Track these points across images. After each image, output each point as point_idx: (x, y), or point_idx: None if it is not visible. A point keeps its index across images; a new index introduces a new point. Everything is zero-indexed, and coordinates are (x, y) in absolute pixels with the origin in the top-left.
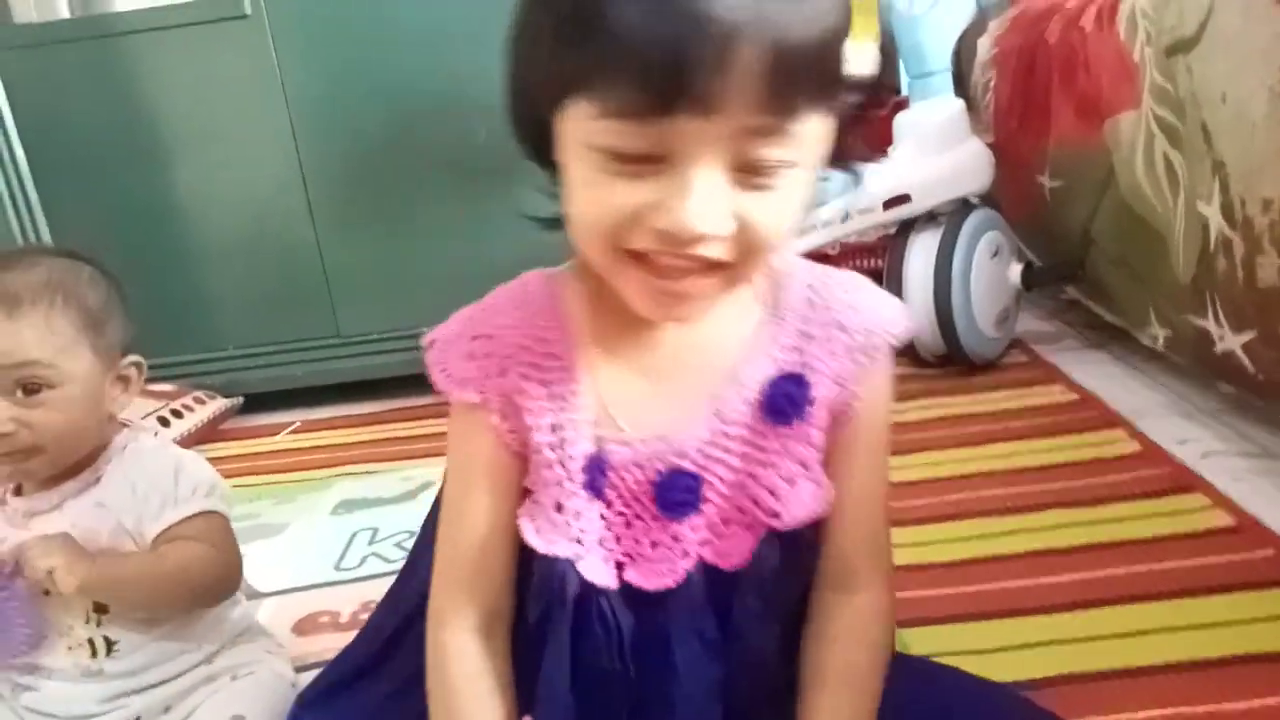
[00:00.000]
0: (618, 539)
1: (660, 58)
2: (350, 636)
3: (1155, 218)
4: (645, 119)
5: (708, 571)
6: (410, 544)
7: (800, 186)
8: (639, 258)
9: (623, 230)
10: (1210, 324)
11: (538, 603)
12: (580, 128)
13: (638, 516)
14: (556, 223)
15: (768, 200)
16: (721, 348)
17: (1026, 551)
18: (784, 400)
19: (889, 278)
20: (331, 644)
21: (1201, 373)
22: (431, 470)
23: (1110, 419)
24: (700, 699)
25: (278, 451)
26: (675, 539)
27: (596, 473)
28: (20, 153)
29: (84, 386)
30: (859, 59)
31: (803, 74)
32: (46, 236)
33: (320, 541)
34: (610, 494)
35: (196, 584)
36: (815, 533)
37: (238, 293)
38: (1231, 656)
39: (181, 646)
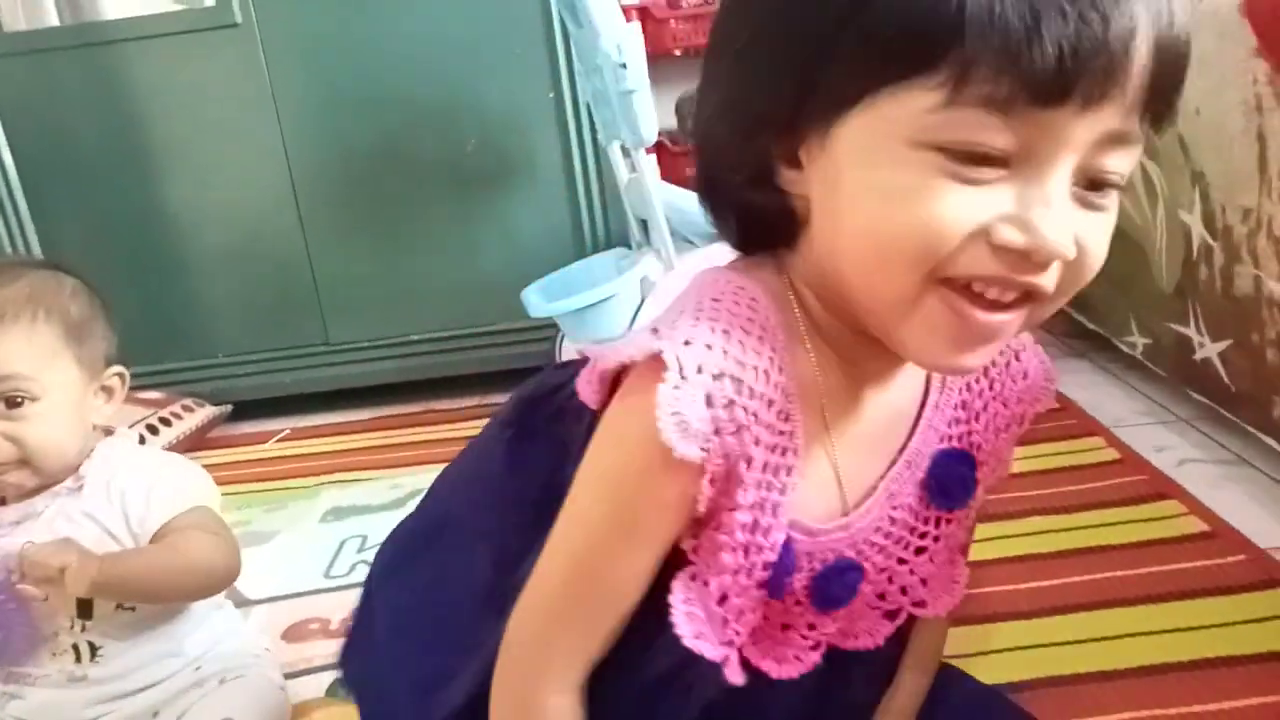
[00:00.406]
0: (744, 623)
1: (1062, 34)
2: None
3: (1134, 229)
4: (1016, 110)
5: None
6: None
7: (1113, 214)
8: (950, 285)
9: (954, 250)
10: (1191, 331)
11: (660, 661)
12: (909, 122)
13: (770, 603)
14: (753, 244)
15: (1100, 222)
16: (897, 426)
17: (1007, 557)
18: (956, 483)
19: None
20: (321, 650)
21: (1177, 381)
22: (421, 478)
23: (1090, 427)
24: None
25: (267, 459)
26: (811, 627)
27: (783, 573)
28: (9, 161)
29: (67, 398)
30: None
31: (1179, 76)
32: (35, 246)
33: (310, 549)
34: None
35: (206, 571)
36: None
37: (227, 301)
38: (1206, 659)
39: (167, 650)
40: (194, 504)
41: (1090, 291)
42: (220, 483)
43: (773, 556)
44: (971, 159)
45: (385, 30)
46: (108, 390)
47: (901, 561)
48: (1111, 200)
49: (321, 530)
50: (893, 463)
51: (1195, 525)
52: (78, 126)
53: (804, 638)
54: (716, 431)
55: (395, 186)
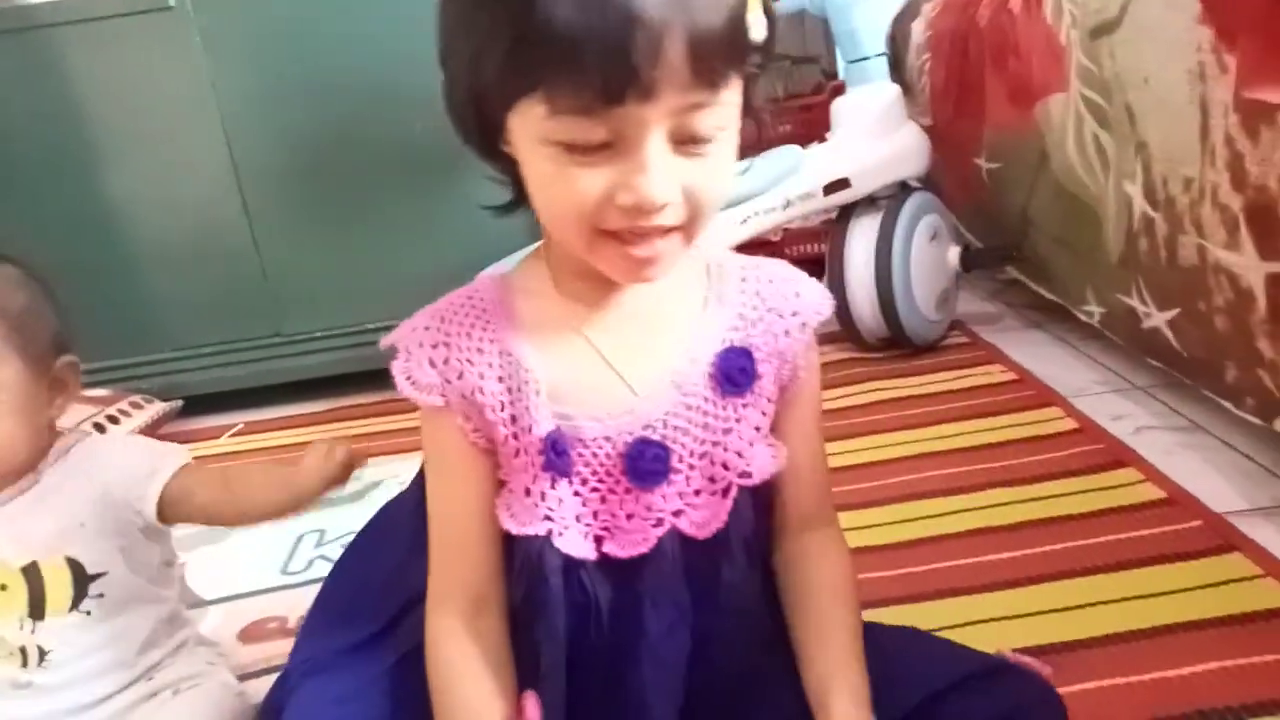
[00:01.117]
0: (595, 514)
1: (604, 57)
2: None
3: (1089, 196)
4: (596, 112)
5: (684, 542)
6: None
7: (730, 147)
8: (611, 233)
9: (594, 213)
10: (1136, 302)
11: (520, 584)
12: (535, 125)
13: (611, 491)
14: (509, 208)
15: (707, 165)
16: (675, 330)
17: (968, 530)
18: (736, 371)
19: (831, 262)
20: (279, 650)
21: (1133, 349)
22: (379, 470)
23: (1048, 397)
24: (671, 664)
25: (220, 455)
26: (648, 509)
27: (553, 453)
28: None
29: (15, 394)
30: (755, 25)
31: (720, 51)
32: None
33: (266, 545)
34: (584, 471)
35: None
36: (769, 495)
37: (174, 294)
38: (1164, 626)
39: (119, 660)
40: (181, 463)
41: (1050, 261)
42: None
43: (541, 445)
44: (580, 149)
45: (327, 14)
46: (60, 382)
47: (715, 444)
48: (715, 145)
49: (278, 526)
50: (677, 359)
51: (1152, 492)
52: (8, 116)
53: (644, 519)
54: (447, 381)
55: (345, 173)
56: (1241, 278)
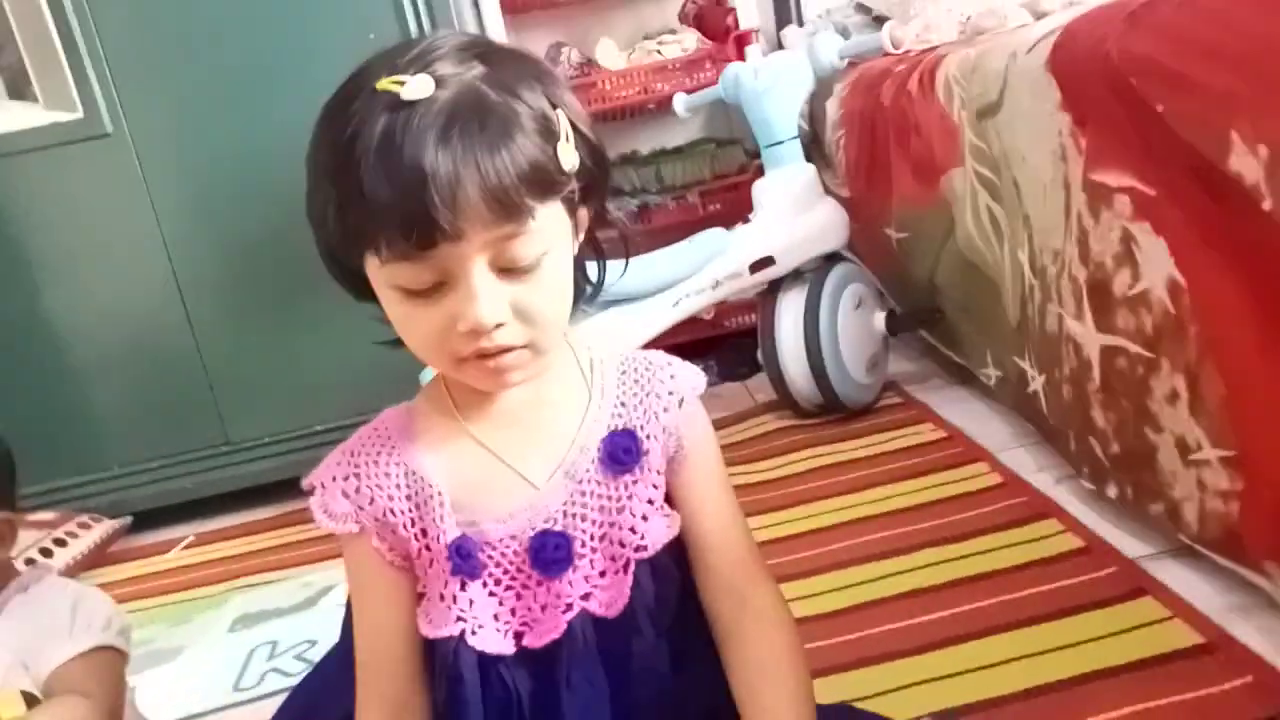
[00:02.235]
0: (512, 611)
1: (409, 214)
2: None
3: (987, 266)
4: (417, 258)
5: (596, 624)
6: (311, 654)
7: (559, 266)
8: (469, 357)
9: (443, 342)
10: (1026, 365)
11: (440, 685)
12: (377, 274)
13: (525, 586)
14: (398, 342)
15: (534, 285)
16: (563, 425)
17: (901, 593)
18: (621, 451)
19: (762, 335)
20: None
21: (1016, 413)
22: (331, 574)
23: (975, 453)
24: None
25: (170, 570)
26: (558, 596)
27: (459, 558)
28: None
29: None
30: (566, 157)
31: (515, 189)
32: None
33: (217, 662)
34: (495, 571)
35: None
36: (674, 566)
37: (118, 408)
38: (1082, 675)
39: None
40: (99, 644)
41: (956, 326)
42: (123, 600)
43: (447, 552)
44: (416, 291)
45: (256, 124)
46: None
47: (611, 524)
48: (540, 267)
49: (230, 640)
50: (568, 451)
51: (1071, 542)
52: None
53: (555, 608)
54: (360, 508)
55: (283, 278)
56: (1084, 347)
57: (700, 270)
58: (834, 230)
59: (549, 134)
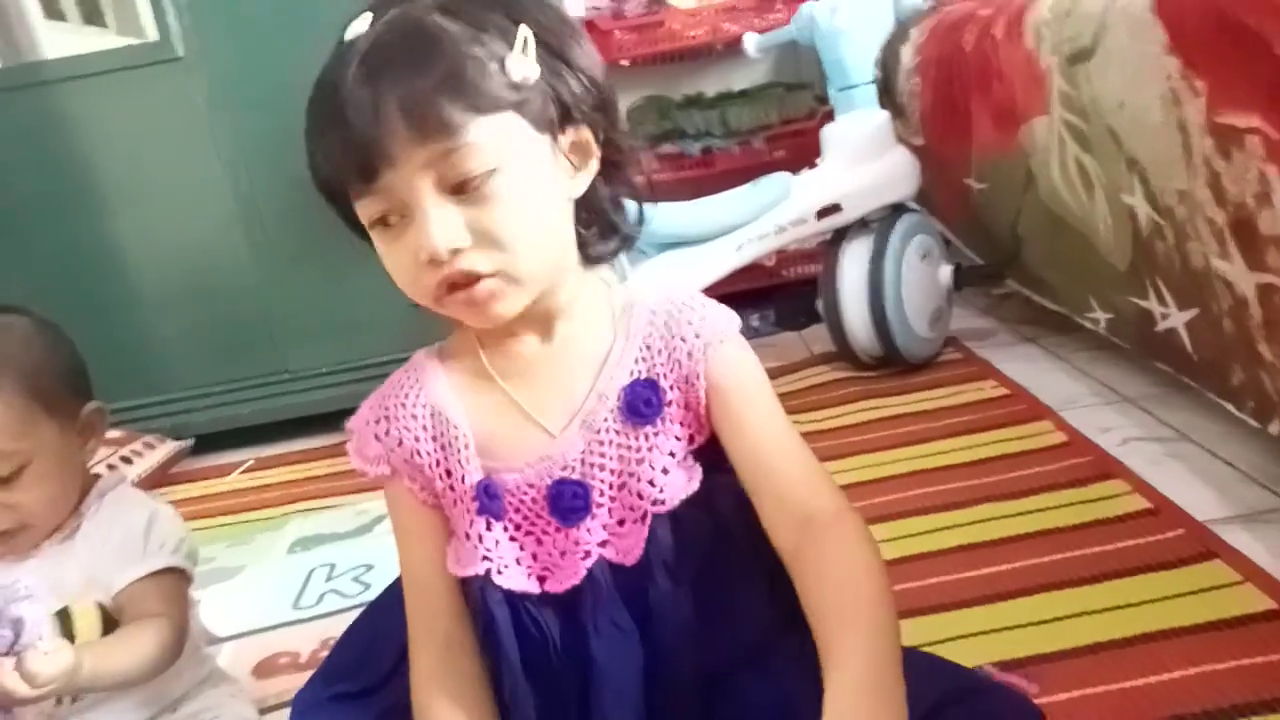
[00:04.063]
0: (534, 556)
1: (345, 144)
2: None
3: (1073, 217)
4: (371, 190)
5: (614, 570)
6: (368, 577)
7: (520, 185)
8: (446, 290)
9: (417, 276)
10: (1153, 304)
11: (477, 625)
12: (358, 211)
13: (544, 532)
14: None
15: (491, 205)
16: (583, 371)
17: (957, 546)
18: (642, 403)
19: (825, 285)
20: (292, 685)
21: (1141, 353)
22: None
23: (1038, 411)
24: (622, 684)
25: (231, 492)
26: (576, 544)
27: (486, 497)
28: None
29: (54, 453)
30: (515, 67)
31: (440, 102)
32: None
33: (277, 581)
34: (515, 516)
35: (157, 661)
36: (704, 518)
37: (181, 335)
38: (1146, 634)
39: (145, 697)
40: (168, 565)
41: (1045, 275)
42: (186, 519)
43: (474, 491)
44: (386, 225)
45: (325, 54)
46: (89, 426)
47: (630, 475)
48: (493, 184)
49: (289, 561)
50: (586, 399)
51: (1138, 503)
52: (20, 167)
53: (574, 554)
54: (391, 450)
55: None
56: (1236, 285)
57: (764, 215)
58: (904, 179)
59: (492, 47)
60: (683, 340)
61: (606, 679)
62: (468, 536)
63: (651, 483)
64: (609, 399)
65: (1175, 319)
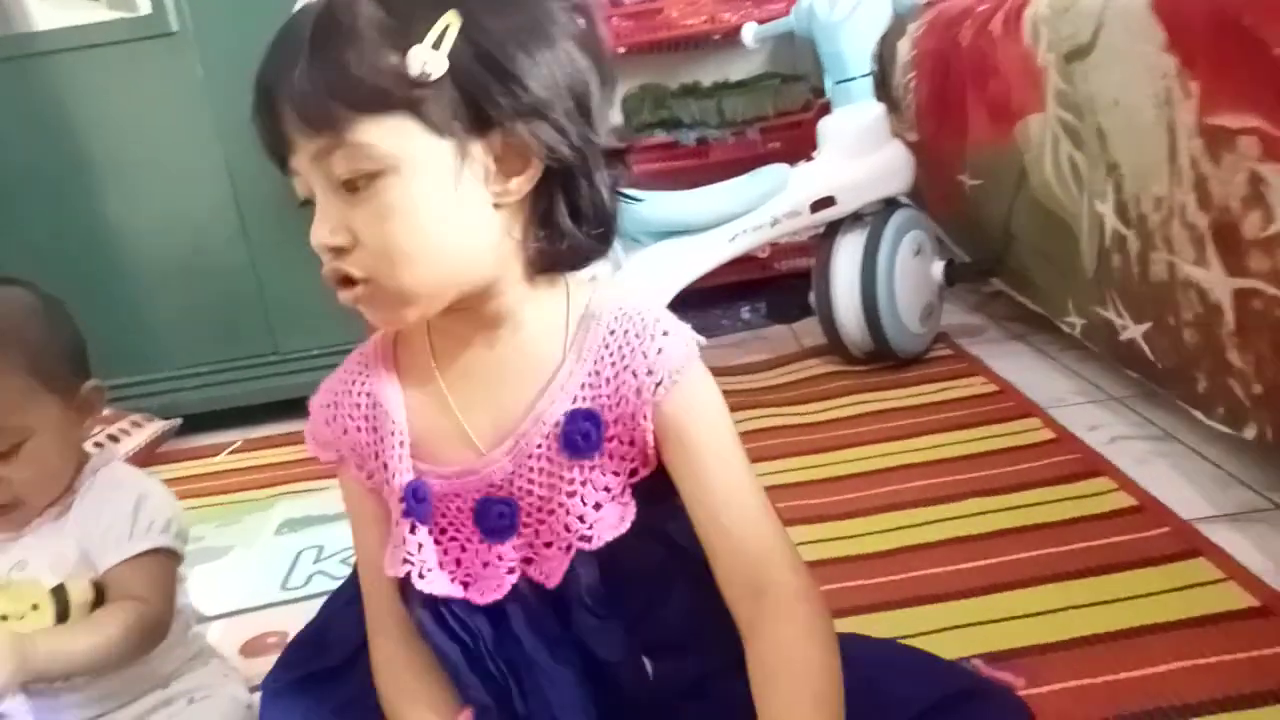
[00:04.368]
0: (458, 563)
1: (261, 130)
2: None
3: (1065, 214)
4: (288, 172)
5: (536, 587)
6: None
7: (406, 194)
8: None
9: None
10: (1111, 314)
11: (411, 615)
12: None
13: (469, 541)
14: None
15: (370, 207)
16: (526, 387)
17: (945, 540)
18: (580, 437)
19: (817, 278)
20: None
21: (1110, 360)
22: None
23: (1027, 409)
24: (564, 687)
25: (219, 472)
26: (500, 558)
27: (414, 500)
28: None
29: (52, 430)
30: (414, 62)
31: (315, 101)
32: None
33: (265, 562)
34: (442, 520)
35: (125, 646)
36: (635, 557)
37: (172, 313)
38: (1130, 629)
39: (136, 673)
40: (156, 546)
41: (1032, 274)
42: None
43: (401, 493)
44: (309, 205)
45: None
46: (88, 404)
47: (559, 505)
48: (378, 188)
49: (277, 543)
50: (523, 420)
51: (1124, 500)
52: (10, 140)
53: (496, 568)
54: (338, 436)
55: None
56: (1210, 292)
57: (759, 206)
58: (899, 174)
59: (399, 36)
60: (634, 375)
61: (549, 680)
62: (398, 535)
63: (581, 518)
64: (545, 425)
65: (1132, 331)
